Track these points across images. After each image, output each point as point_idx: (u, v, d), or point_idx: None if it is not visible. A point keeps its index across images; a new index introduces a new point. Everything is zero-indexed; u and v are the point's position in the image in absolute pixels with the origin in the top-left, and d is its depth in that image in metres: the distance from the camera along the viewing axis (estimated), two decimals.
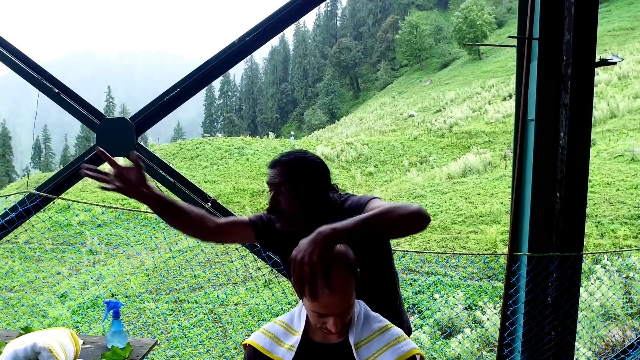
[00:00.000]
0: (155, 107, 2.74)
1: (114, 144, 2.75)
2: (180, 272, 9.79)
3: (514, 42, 2.78)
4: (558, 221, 2.70)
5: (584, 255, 7.08)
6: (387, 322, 1.47)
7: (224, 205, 2.90)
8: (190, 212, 1.67)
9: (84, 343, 1.96)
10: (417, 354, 1.41)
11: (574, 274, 2.71)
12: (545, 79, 2.63)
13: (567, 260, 2.70)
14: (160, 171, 2.74)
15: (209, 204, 2.75)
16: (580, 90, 2.59)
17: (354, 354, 1.38)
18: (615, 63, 2.68)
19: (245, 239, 1.86)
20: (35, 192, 2.71)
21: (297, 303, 1.53)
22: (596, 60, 2.64)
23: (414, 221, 1.43)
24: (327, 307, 1.28)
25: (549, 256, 2.71)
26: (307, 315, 1.43)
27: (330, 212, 1.67)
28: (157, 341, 2.08)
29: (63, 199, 2.85)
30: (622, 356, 3.23)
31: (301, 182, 1.63)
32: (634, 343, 3.28)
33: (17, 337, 1.87)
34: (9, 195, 2.98)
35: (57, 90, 2.76)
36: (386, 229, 1.42)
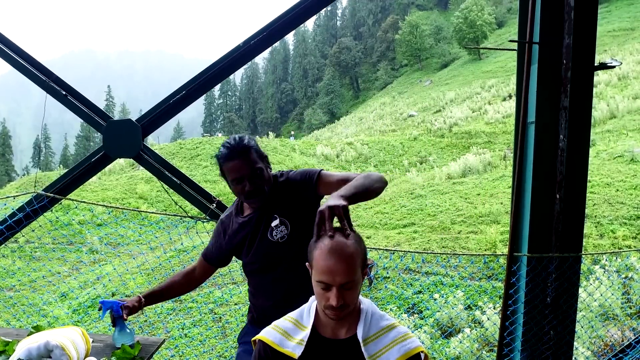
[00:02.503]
0: (161, 110, 2.77)
1: (120, 146, 2.80)
2: None
3: (515, 45, 2.81)
4: (557, 222, 2.74)
5: (583, 256, 7.13)
6: (394, 320, 1.52)
7: (227, 206, 2.94)
8: (174, 283, 2.11)
9: (93, 341, 2.00)
10: (422, 351, 1.45)
11: (573, 275, 2.75)
12: (545, 82, 2.67)
13: (566, 261, 2.73)
14: (166, 172, 2.78)
15: (214, 205, 2.79)
16: (580, 93, 2.63)
17: (362, 349, 1.42)
18: (614, 67, 2.72)
19: (222, 264, 2.15)
20: (43, 192, 2.75)
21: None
22: (595, 64, 2.68)
23: (383, 188, 1.74)
24: (331, 272, 1.34)
25: (549, 257, 2.75)
26: (315, 311, 1.48)
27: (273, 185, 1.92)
28: (164, 340, 2.12)
29: (70, 199, 2.89)
30: (620, 355, 3.27)
31: (263, 161, 1.88)
32: (631, 343, 3.32)
33: (27, 335, 1.91)
34: (17, 195, 3.02)
35: (64, 92, 2.80)
36: (364, 196, 1.65)
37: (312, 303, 1.51)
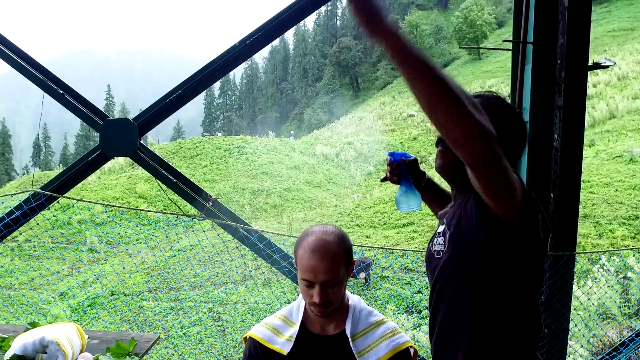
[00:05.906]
0: (158, 109, 2.79)
1: (117, 144, 2.81)
2: (180, 271, 9.84)
3: (509, 45, 2.83)
4: (552, 221, 2.75)
5: (581, 255, 7.15)
6: (382, 316, 1.54)
7: (224, 205, 2.95)
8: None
9: (89, 338, 2.01)
10: (411, 346, 1.47)
11: (567, 273, 2.77)
12: (539, 81, 2.69)
13: (560, 260, 2.75)
14: (163, 171, 2.80)
15: (210, 203, 2.80)
16: (574, 93, 2.64)
17: (351, 344, 1.44)
18: (607, 67, 2.74)
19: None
20: (40, 190, 2.76)
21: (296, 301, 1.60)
22: (589, 64, 2.69)
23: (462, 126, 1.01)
24: (313, 270, 1.35)
25: None
26: (304, 307, 1.49)
27: None
28: (159, 336, 2.14)
29: (68, 197, 2.91)
30: (614, 353, 3.30)
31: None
32: (625, 341, 3.34)
33: (24, 331, 1.92)
34: (14, 193, 3.04)
35: (61, 92, 2.82)
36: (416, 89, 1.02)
37: (301, 300, 1.53)
